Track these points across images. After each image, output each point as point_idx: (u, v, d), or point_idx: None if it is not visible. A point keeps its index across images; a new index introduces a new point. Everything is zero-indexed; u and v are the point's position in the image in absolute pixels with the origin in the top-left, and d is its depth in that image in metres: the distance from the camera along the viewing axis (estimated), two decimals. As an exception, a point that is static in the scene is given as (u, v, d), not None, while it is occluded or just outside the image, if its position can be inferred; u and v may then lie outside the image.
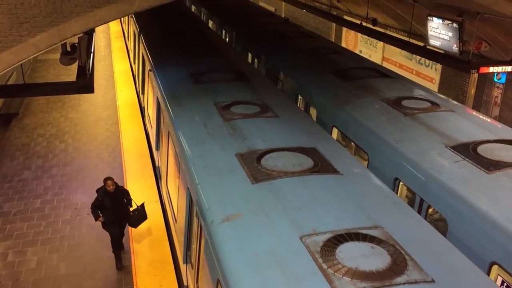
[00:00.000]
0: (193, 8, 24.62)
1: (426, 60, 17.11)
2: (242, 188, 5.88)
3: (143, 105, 14.71)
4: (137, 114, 16.10)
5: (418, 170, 7.17)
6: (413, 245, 4.77)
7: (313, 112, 10.39)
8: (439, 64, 16.45)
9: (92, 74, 10.89)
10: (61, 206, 11.02)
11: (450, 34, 12.01)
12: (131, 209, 9.02)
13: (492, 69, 11.53)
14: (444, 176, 6.78)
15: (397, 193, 7.63)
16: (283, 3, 27.73)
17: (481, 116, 9.01)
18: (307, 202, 5.48)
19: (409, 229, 5.17)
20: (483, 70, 11.31)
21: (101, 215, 8.72)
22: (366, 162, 8.40)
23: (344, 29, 23.10)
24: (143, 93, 14.35)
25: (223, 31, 18.02)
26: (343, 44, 23.09)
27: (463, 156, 7.05)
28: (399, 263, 4.48)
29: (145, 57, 13.13)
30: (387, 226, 5.05)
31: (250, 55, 14.66)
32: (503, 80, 14.23)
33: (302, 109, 10.57)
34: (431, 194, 6.89)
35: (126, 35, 23.79)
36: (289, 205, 5.42)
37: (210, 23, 20.32)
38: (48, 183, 12.01)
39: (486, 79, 14.88)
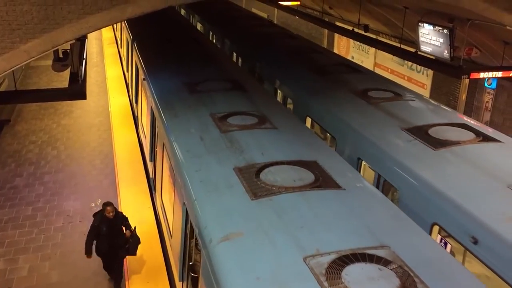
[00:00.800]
0: (182, 11, 24.96)
1: (418, 66, 17.24)
2: (241, 205, 5.66)
3: (136, 114, 14.56)
4: (129, 120, 16.05)
5: (376, 150, 8.07)
6: (422, 266, 4.62)
7: (290, 104, 11.39)
8: (430, 70, 16.59)
9: (84, 81, 10.84)
10: (53, 213, 10.93)
11: (441, 40, 12.13)
12: (127, 234, 8.37)
13: (482, 75, 11.68)
14: (397, 154, 7.69)
15: (359, 171, 8.35)
16: (276, 9, 27.86)
17: (438, 104, 10.01)
18: (310, 219, 5.29)
19: (417, 248, 5.00)
20: (474, 75, 11.48)
21: (93, 245, 8.14)
22: (334, 146, 9.11)
23: (336, 35, 23.25)
24: (136, 102, 14.15)
25: (211, 33, 18.61)
26: (335, 50, 23.25)
27: (415, 137, 8.03)
28: (408, 286, 4.30)
29: (139, 66, 12.94)
30: (394, 246, 4.88)
31: (235, 54, 15.27)
32: (494, 85, 14.38)
33: (280, 101, 11.28)
34: (386, 170, 7.77)
35: (119, 42, 23.75)
36: (291, 223, 5.21)
37: (199, 26, 20.84)
38: (40, 190, 11.92)
39: (477, 84, 15.03)
